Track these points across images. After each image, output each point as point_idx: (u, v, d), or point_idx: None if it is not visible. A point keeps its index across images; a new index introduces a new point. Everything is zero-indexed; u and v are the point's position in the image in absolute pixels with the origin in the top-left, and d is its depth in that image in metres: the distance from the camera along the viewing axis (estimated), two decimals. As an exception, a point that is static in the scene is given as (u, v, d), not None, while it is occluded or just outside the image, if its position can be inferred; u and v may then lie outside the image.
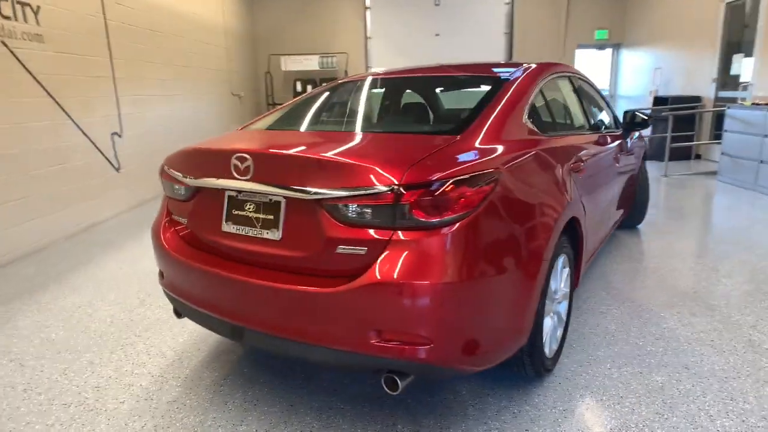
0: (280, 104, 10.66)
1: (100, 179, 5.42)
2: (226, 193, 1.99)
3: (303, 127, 2.66)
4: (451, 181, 1.66)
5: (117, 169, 5.74)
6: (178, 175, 2.13)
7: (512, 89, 2.33)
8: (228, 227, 1.99)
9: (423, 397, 2.21)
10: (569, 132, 2.86)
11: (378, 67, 10.86)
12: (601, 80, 11.28)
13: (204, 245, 2.10)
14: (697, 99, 8.11)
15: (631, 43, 10.47)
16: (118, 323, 3.01)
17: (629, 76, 10.75)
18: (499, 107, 2.18)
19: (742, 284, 3.37)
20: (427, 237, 1.64)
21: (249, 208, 1.92)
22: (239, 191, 1.95)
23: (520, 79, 2.44)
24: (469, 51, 10.50)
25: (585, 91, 3.39)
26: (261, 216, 1.90)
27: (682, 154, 8.22)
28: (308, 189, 1.73)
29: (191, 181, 2.06)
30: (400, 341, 1.66)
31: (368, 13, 10.80)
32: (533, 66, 2.67)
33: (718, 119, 7.90)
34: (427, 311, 1.63)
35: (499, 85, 2.38)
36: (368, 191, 1.64)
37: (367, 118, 2.89)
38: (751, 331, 2.74)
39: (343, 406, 2.18)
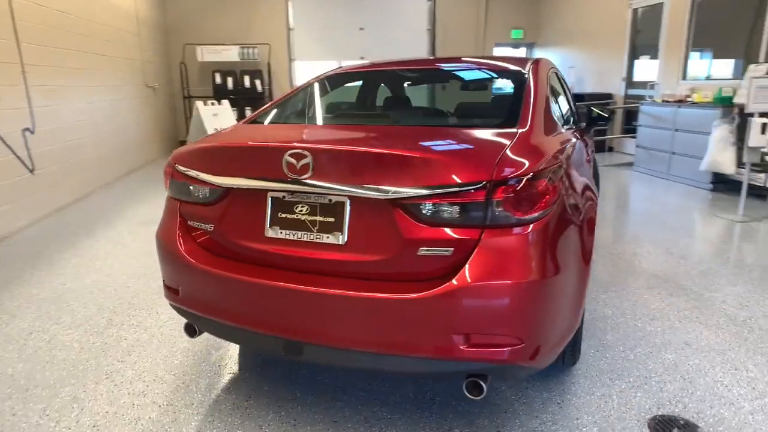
0: (197, 97, 10.07)
1: (12, 182, 4.69)
2: (269, 195, 1.79)
3: (337, 121, 2.56)
4: (537, 176, 1.63)
5: (31, 170, 4.99)
6: (202, 175, 1.88)
7: (538, 82, 2.33)
8: (274, 233, 1.79)
9: (466, 399, 2.17)
10: (565, 126, 2.96)
11: (315, 59, 10.61)
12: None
13: (237, 253, 1.87)
14: (609, 96, 8.84)
15: (544, 43, 11.14)
16: (91, 349, 2.61)
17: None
18: (536, 100, 2.17)
19: (696, 264, 3.73)
20: (517, 234, 1.59)
21: (301, 211, 1.75)
22: (289, 192, 1.75)
23: (538, 72, 2.46)
24: (394, 46, 10.55)
25: (566, 87, 3.53)
26: (318, 219, 1.73)
27: (598, 147, 8.93)
28: (384, 188, 1.60)
29: (223, 181, 1.82)
30: (490, 344, 1.59)
31: (290, 3, 10.43)
32: (535, 59, 2.71)
33: (628, 115, 8.69)
34: (521, 311, 1.59)
35: (523, 78, 2.38)
36: (457, 188, 1.56)
37: (404, 110, 2.77)
38: (724, 306, 3.03)
39: (391, 416, 2.07)
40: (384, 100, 3.02)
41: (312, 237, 1.74)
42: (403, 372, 2.01)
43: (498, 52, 11.30)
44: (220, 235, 1.90)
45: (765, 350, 2.54)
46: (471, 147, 1.81)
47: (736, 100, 5.80)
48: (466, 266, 1.56)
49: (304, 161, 1.68)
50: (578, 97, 8.97)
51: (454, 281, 1.55)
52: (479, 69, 2.97)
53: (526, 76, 2.39)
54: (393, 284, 1.63)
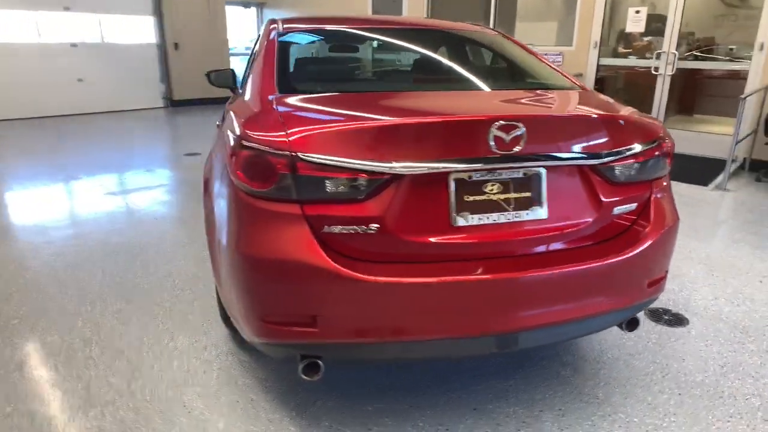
0: None
1: None
2: (451, 176, 1.54)
3: (415, 87, 2.37)
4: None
5: None
6: (363, 163, 1.48)
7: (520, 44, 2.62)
8: (463, 220, 1.57)
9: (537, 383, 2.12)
10: None
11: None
12: (248, 38, 11.79)
13: (410, 255, 1.57)
14: None
15: (275, 4, 10.72)
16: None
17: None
18: (547, 62, 2.45)
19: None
20: (666, 183, 1.86)
21: (492, 190, 1.58)
22: (483, 170, 1.55)
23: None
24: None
25: None
26: (512, 195, 1.60)
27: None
28: (599, 153, 1.65)
29: (406, 168, 1.48)
30: (658, 280, 1.81)
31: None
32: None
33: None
34: (671, 249, 1.85)
35: (513, 42, 2.64)
36: (645, 147, 1.72)
37: (457, 74, 2.56)
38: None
39: (488, 406, 1.96)
40: (414, 62, 2.65)
41: (510, 217, 1.60)
42: (603, 328, 1.95)
43: (229, 11, 10.46)
44: (388, 235, 1.53)
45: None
46: (612, 109, 1.90)
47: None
48: (651, 218, 1.75)
49: (515, 133, 1.52)
50: None
51: (648, 232, 1.72)
52: (467, 33, 2.85)
53: (511, 40, 2.67)
54: (594, 248, 1.69)
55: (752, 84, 5.48)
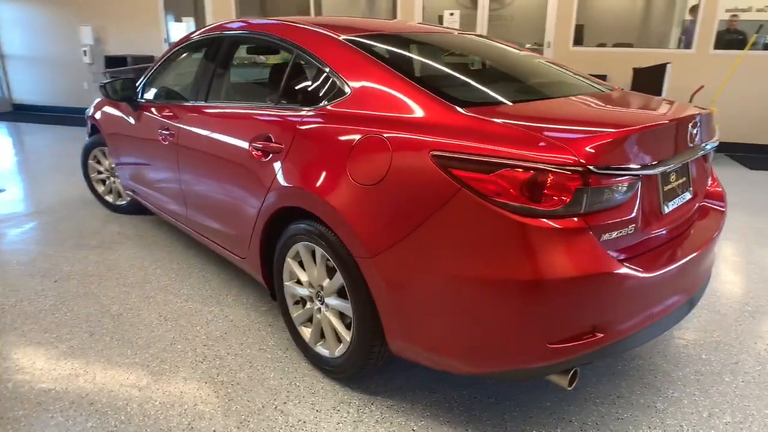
0: None
1: None
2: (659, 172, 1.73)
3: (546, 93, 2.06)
4: None
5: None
6: (635, 167, 1.56)
7: None
8: (667, 208, 1.80)
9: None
10: None
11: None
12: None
13: (643, 246, 1.71)
14: (151, 59, 8.16)
15: None
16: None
17: (25, 33, 9.23)
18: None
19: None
20: None
21: (673, 179, 1.85)
22: (678, 164, 1.79)
23: None
24: None
25: None
26: (680, 181, 1.89)
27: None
28: (715, 140, 2.04)
29: (661, 167, 1.65)
30: None
31: None
32: None
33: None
34: None
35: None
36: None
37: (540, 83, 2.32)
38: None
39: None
40: (480, 69, 2.43)
41: (681, 200, 1.88)
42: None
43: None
44: (638, 232, 1.66)
45: None
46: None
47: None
48: (721, 195, 2.26)
49: (697, 129, 1.86)
50: (119, 61, 8.11)
51: (724, 205, 2.20)
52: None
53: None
54: (708, 216, 2.11)
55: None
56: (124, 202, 4.10)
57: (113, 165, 4.00)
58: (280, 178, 2.08)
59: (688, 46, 6.39)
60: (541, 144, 1.48)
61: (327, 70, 2.08)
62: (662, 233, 1.78)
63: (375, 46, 2.11)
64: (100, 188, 4.21)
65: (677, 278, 1.73)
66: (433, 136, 1.61)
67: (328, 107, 2.00)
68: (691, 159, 1.85)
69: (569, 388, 1.69)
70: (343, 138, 1.85)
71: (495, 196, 1.48)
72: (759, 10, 6.12)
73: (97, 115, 3.87)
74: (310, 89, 2.15)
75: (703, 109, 2.02)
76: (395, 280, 1.69)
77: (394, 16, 7.18)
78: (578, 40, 6.71)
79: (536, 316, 1.50)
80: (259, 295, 2.86)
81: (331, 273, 2.02)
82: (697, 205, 2.03)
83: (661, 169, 1.65)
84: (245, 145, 2.28)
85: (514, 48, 2.66)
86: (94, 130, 4.09)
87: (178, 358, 2.29)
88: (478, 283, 1.53)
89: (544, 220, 1.46)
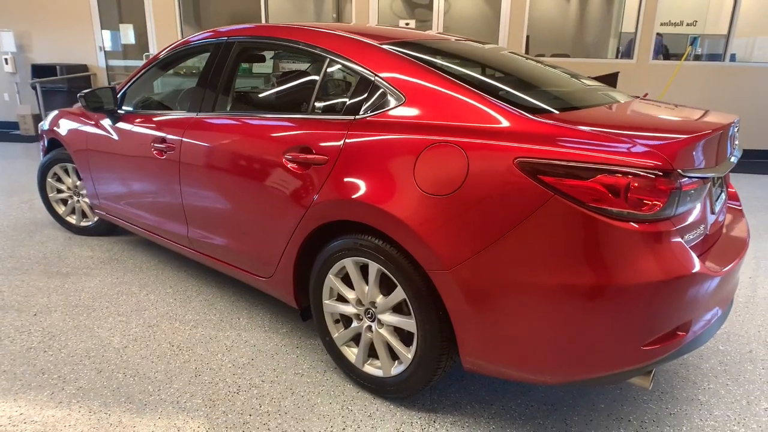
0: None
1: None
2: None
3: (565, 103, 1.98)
4: None
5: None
6: (710, 170, 1.65)
7: None
8: (716, 206, 1.91)
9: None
10: None
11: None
12: None
13: (705, 244, 1.80)
14: (84, 68, 7.94)
15: None
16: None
17: None
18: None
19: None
20: None
21: (716, 179, 1.93)
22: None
23: None
24: None
25: None
26: (718, 182, 1.98)
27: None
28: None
29: (721, 170, 1.73)
30: None
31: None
32: None
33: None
34: None
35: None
36: None
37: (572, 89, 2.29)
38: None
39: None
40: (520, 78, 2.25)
41: (721, 199, 1.98)
42: None
43: None
44: (701, 232, 1.76)
45: None
46: None
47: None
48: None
49: (735, 132, 1.95)
50: (48, 70, 7.70)
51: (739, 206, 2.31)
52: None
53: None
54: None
55: None
56: (90, 223, 3.74)
57: (77, 183, 3.65)
58: (327, 191, 1.96)
59: (628, 56, 6.87)
60: (636, 149, 1.49)
61: (372, 78, 1.99)
62: (714, 232, 1.86)
63: (417, 55, 2.05)
64: (61, 209, 3.81)
65: (732, 275, 1.79)
66: (515, 143, 1.58)
67: (381, 116, 1.91)
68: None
69: (649, 388, 1.77)
70: (406, 147, 1.77)
71: (593, 201, 1.48)
72: (689, 24, 6.72)
73: (59, 129, 3.50)
74: (353, 98, 2.03)
75: (731, 115, 2.06)
76: (476, 293, 1.63)
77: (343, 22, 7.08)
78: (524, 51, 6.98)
79: (637, 319, 1.52)
80: (275, 316, 2.70)
81: (385, 288, 1.94)
82: (728, 203, 2.19)
83: (722, 169, 1.72)
84: (276, 158, 2.14)
85: (537, 61, 2.63)
86: (53, 145, 3.70)
87: (209, 391, 2.10)
88: (576, 290, 1.51)
89: (644, 224, 1.49)
